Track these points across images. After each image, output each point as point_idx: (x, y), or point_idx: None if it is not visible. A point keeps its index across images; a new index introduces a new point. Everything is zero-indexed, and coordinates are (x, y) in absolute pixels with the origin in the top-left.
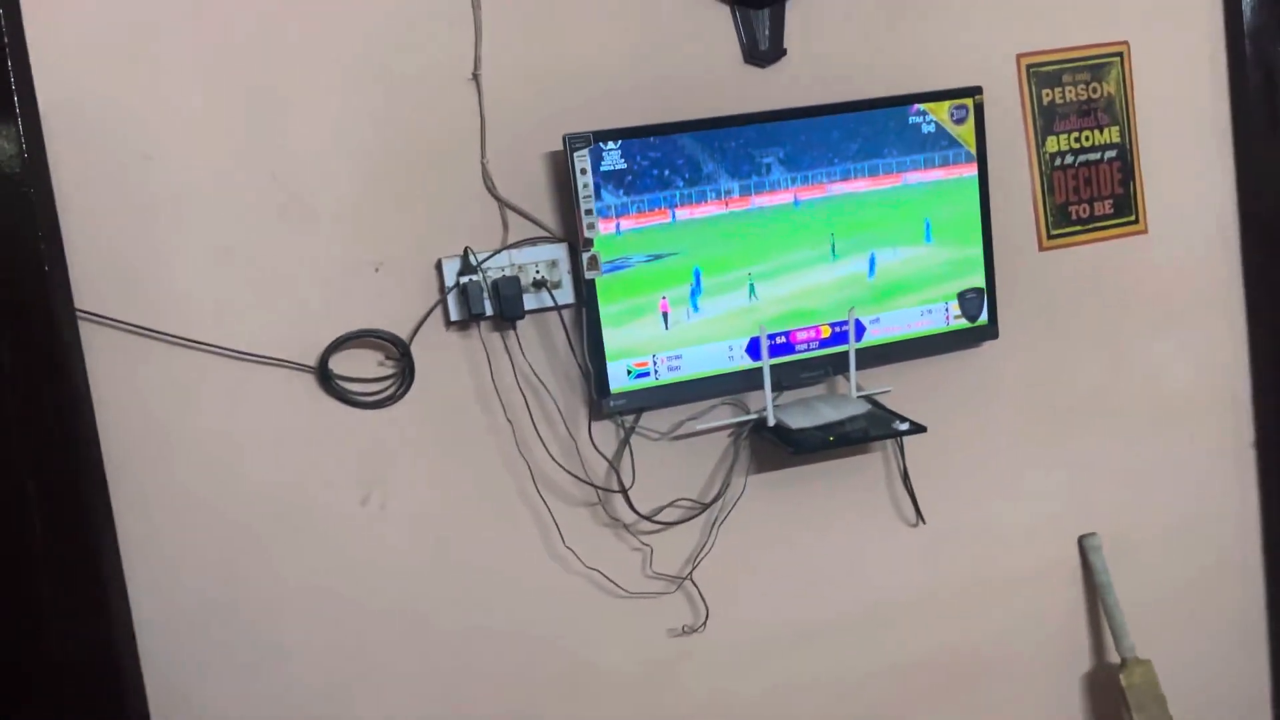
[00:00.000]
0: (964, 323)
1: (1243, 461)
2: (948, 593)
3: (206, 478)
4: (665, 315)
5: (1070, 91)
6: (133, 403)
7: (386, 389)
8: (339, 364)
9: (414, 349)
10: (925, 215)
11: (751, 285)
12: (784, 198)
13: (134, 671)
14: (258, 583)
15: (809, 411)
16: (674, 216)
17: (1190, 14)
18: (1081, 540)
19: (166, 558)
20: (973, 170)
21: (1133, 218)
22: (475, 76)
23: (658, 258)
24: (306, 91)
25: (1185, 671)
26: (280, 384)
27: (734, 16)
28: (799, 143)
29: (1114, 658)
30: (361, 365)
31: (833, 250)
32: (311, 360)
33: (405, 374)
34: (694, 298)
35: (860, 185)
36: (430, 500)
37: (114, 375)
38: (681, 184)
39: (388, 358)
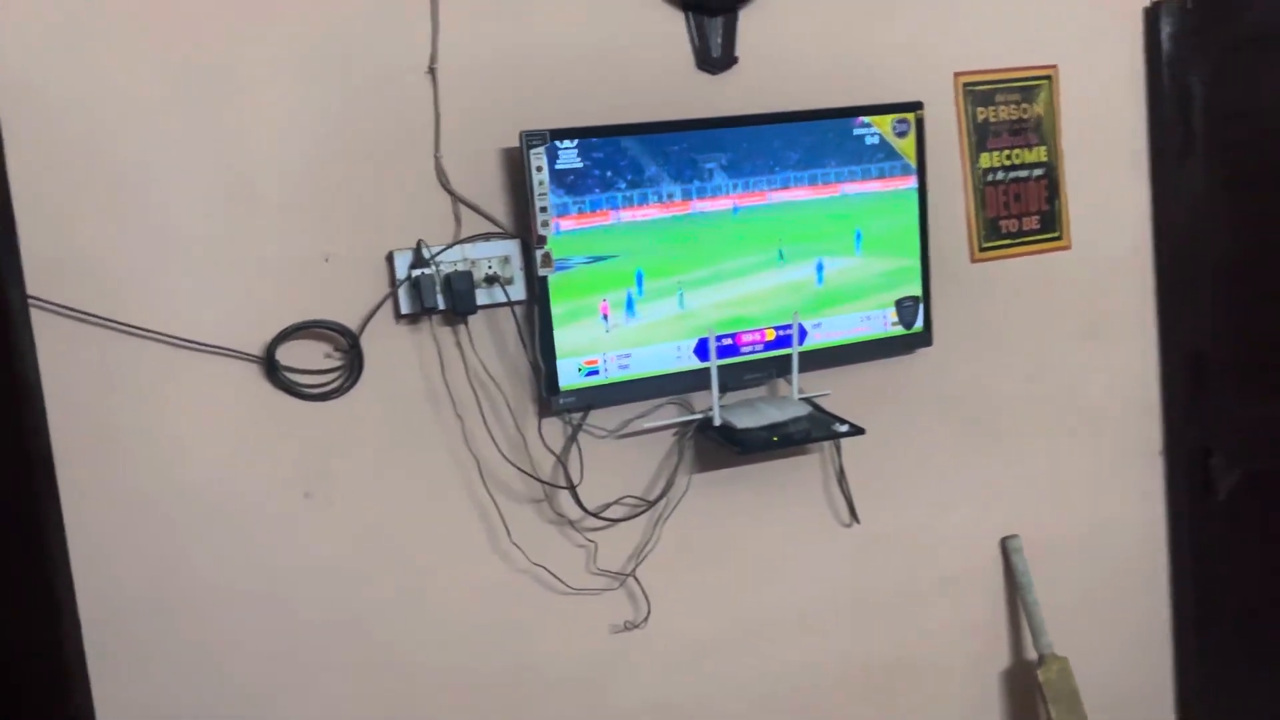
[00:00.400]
0: (900, 329)
1: (1152, 468)
2: (878, 591)
3: (148, 467)
4: (605, 317)
5: (1003, 110)
6: (78, 390)
7: (334, 381)
8: (286, 355)
9: (363, 341)
10: (857, 226)
11: (681, 295)
12: (724, 204)
13: (79, 665)
14: (197, 577)
15: (753, 412)
16: (617, 219)
17: (1114, 42)
18: (1004, 542)
19: (110, 549)
20: (910, 183)
21: (1057, 234)
22: (432, 70)
23: (599, 260)
24: (261, 79)
25: (1097, 667)
26: (226, 373)
27: (688, 22)
28: (742, 150)
29: (1032, 654)
30: (309, 356)
31: (780, 256)
32: (258, 350)
33: (353, 366)
34: (630, 304)
35: (800, 194)
36: (375, 495)
37: (61, 362)
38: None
39: (336, 349)
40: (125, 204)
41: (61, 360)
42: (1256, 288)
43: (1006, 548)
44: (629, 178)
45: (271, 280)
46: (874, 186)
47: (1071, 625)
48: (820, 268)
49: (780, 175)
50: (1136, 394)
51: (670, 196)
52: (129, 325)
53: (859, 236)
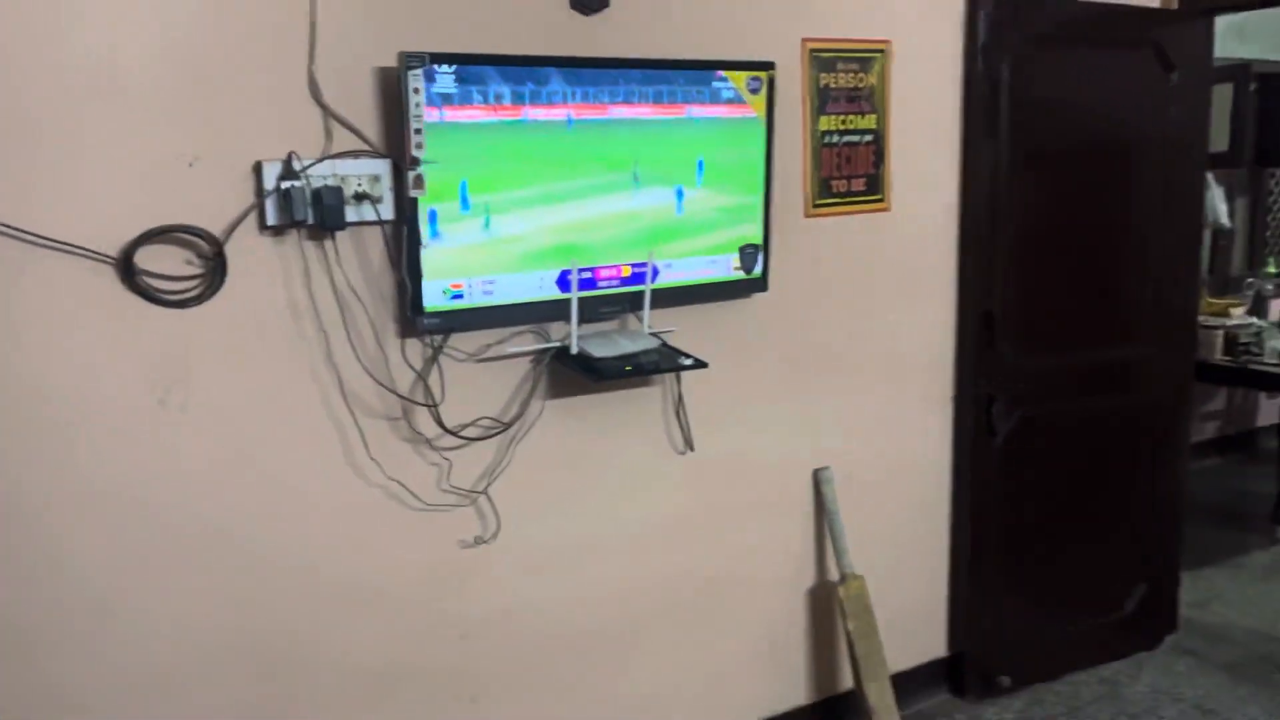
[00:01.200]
0: (742, 274)
1: (944, 413)
2: (705, 513)
3: None
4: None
5: (843, 78)
6: None
7: (194, 289)
8: (145, 259)
9: (227, 250)
10: (700, 154)
11: (488, 217)
12: (559, 114)
13: None
14: (46, 479)
15: (608, 343)
16: (440, 118)
17: (941, 25)
18: (816, 473)
19: None
20: (750, 112)
21: (880, 197)
22: None
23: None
24: None
25: (888, 586)
26: (79, 274)
27: None
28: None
29: (835, 574)
30: (169, 262)
31: (635, 179)
32: (115, 251)
33: (215, 275)
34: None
35: (642, 111)
36: (232, 405)
37: None
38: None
39: (198, 256)
40: None
41: None
42: (1039, 256)
43: (818, 478)
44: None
45: (133, 180)
46: (720, 111)
47: (869, 549)
48: (680, 194)
49: (623, 89)
50: (936, 346)
51: (499, 99)
52: None
53: (700, 166)
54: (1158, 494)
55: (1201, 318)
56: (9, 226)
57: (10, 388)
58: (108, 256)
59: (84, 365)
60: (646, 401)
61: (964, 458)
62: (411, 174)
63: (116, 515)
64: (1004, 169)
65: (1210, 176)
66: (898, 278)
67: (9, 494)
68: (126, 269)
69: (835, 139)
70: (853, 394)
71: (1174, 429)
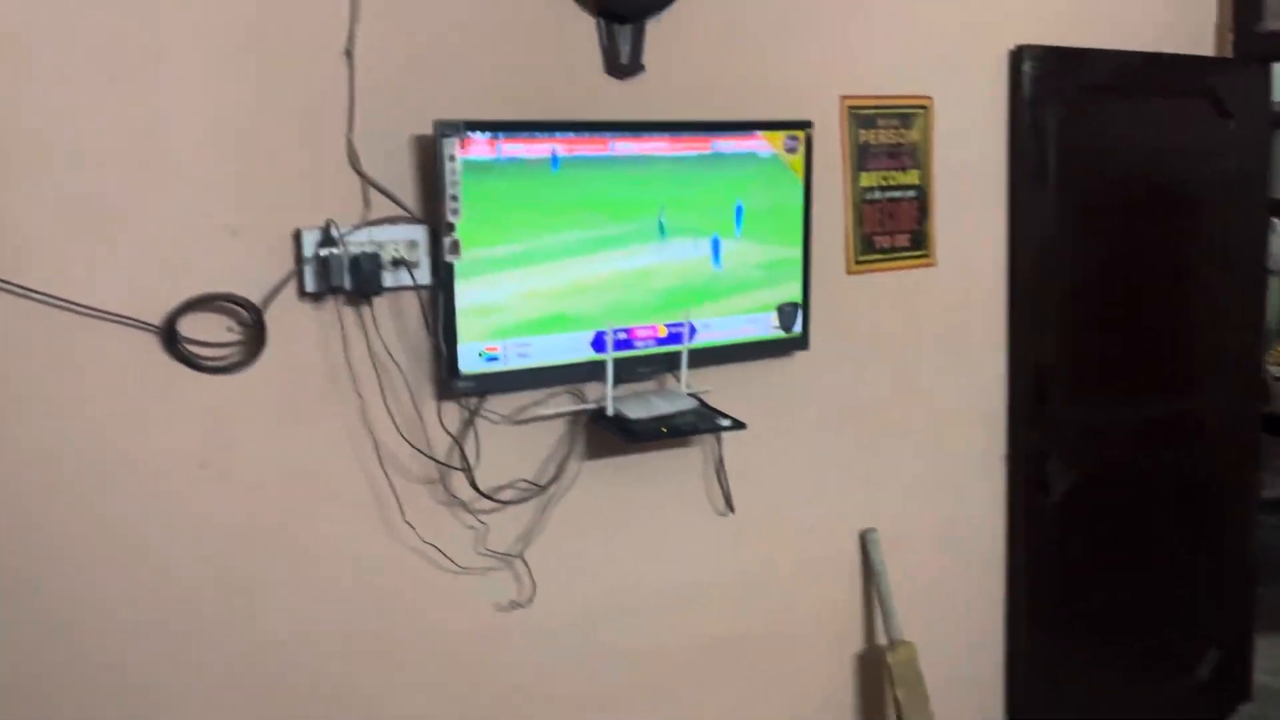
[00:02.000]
0: (781, 333)
1: (996, 471)
2: (748, 576)
3: (39, 433)
4: None
5: (883, 135)
6: None
7: (234, 355)
8: (188, 326)
9: (267, 316)
10: (738, 198)
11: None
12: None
13: None
14: (85, 543)
15: (644, 404)
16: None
17: (983, 80)
18: (863, 535)
19: None
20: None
21: (925, 252)
22: (348, 51)
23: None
24: (179, 48)
25: (940, 653)
26: (124, 342)
27: (599, 28)
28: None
29: (883, 639)
30: (210, 329)
31: (661, 229)
32: (158, 320)
33: (255, 341)
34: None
35: (658, 146)
36: (272, 469)
37: None
38: None
39: (239, 323)
40: (28, 165)
41: None
42: (1093, 307)
43: (865, 540)
44: None
45: (176, 250)
46: (749, 145)
47: (919, 613)
48: (717, 247)
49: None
50: (987, 402)
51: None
52: (27, 289)
53: (740, 212)
54: (1228, 553)
55: (1272, 368)
56: (58, 298)
57: (59, 452)
58: (151, 325)
59: (128, 431)
60: (686, 462)
61: (1018, 517)
62: (447, 240)
63: (156, 577)
64: (1054, 220)
65: (1277, 222)
66: (945, 333)
67: (53, 556)
68: (169, 337)
69: (877, 195)
70: (900, 453)
71: (1243, 484)
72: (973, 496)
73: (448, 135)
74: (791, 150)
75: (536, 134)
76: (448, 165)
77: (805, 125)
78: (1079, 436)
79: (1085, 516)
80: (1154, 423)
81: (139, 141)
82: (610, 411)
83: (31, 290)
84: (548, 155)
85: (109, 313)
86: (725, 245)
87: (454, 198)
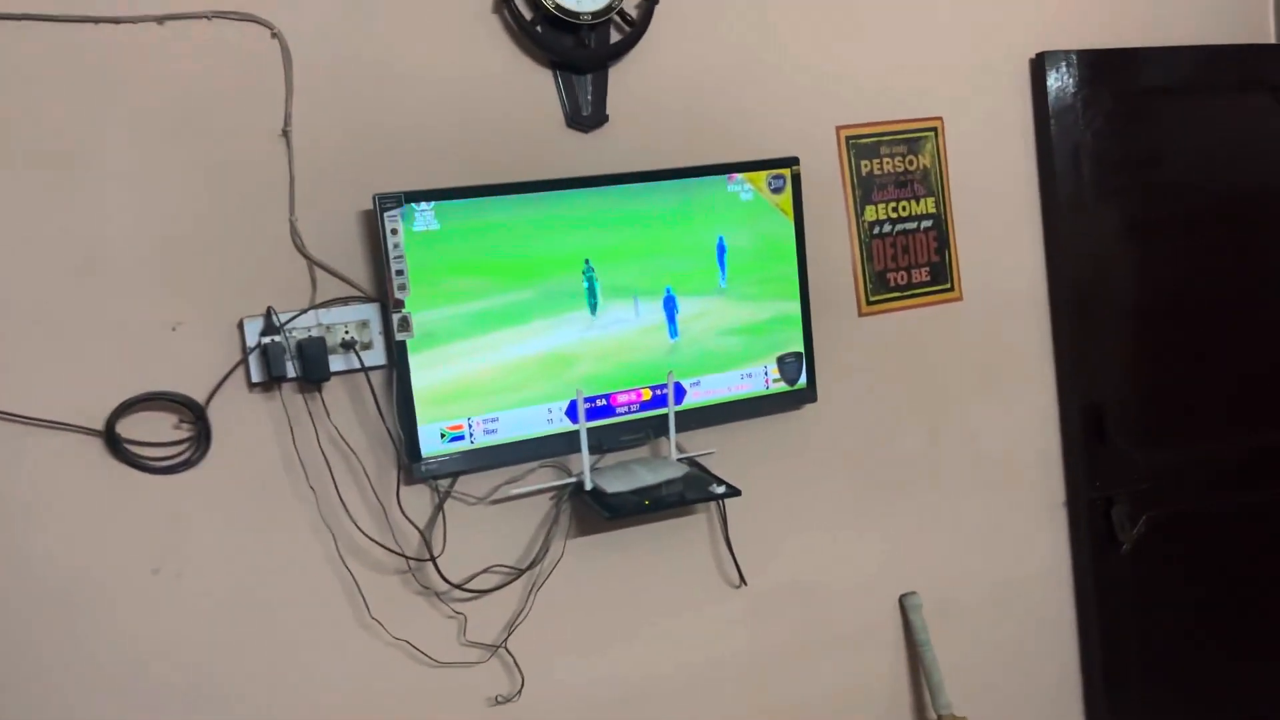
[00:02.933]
0: (784, 386)
1: (1055, 521)
2: (771, 653)
3: None
4: None
5: (888, 163)
6: None
7: (181, 454)
8: (129, 428)
9: (210, 412)
10: (717, 243)
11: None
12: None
13: None
14: (43, 654)
15: (627, 475)
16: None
17: (1001, 93)
18: (902, 599)
19: None
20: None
21: (948, 285)
22: (285, 133)
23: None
24: (109, 146)
25: None
26: (65, 448)
27: (556, 81)
28: (611, 204)
29: (932, 715)
30: (155, 429)
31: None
32: (99, 424)
33: (201, 438)
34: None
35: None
36: (227, 571)
37: None
38: None
39: (183, 421)
40: None
41: None
42: (1154, 335)
43: (904, 605)
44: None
45: (115, 351)
46: (727, 189)
47: (973, 685)
48: (672, 306)
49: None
50: (1036, 445)
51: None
52: None
53: (722, 259)
54: None
55: None
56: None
57: (12, 564)
58: (94, 429)
59: (79, 538)
60: (690, 532)
61: (1085, 572)
62: (397, 316)
63: (118, 686)
64: (1101, 241)
65: None
66: (979, 372)
67: (12, 668)
68: (110, 439)
69: (887, 228)
70: (937, 507)
71: None
72: (1030, 550)
73: (389, 209)
74: (777, 190)
75: (484, 197)
76: (390, 239)
77: (790, 162)
78: (1148, 478)
79: (1166, 572)
80: (1235, 459)
81: (74, 245)
82: (588, 485)
83: None
84: (500, 219)
85: (51, 420)
86: (702, 303)
87: (399, 272)
